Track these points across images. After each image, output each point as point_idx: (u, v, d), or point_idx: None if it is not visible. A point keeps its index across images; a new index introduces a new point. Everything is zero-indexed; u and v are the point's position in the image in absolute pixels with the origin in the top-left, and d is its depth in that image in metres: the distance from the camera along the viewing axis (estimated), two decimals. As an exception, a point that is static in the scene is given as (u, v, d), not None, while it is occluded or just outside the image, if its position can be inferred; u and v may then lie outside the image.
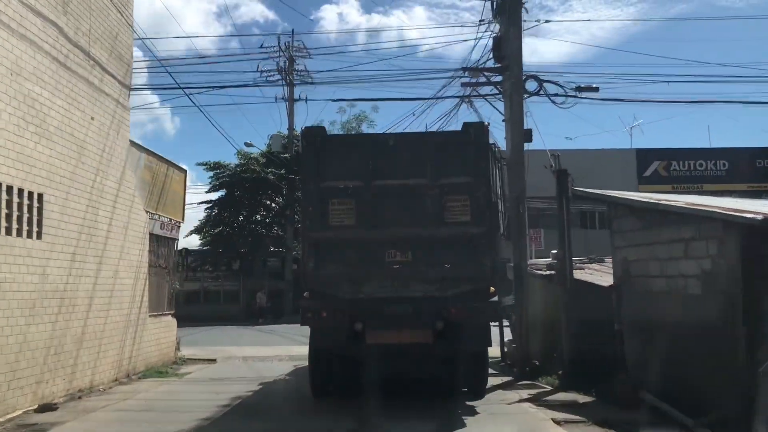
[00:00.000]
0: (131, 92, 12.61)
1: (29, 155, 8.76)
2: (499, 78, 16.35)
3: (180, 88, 15.11)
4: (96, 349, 10.65)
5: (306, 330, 9.07)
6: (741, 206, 8.35)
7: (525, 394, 9.82)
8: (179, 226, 15.40)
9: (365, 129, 39.02)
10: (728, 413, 6.99)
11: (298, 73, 31.06)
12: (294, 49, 31.61)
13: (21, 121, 8.57)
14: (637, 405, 8.38)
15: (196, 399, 9.94)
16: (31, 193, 8.79)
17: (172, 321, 14.75)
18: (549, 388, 10.40)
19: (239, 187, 32.04)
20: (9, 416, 8.07)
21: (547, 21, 30.78)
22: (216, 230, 33.18)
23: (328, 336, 8.60)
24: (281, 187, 32.38)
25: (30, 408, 8.57)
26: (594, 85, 16.17)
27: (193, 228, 34.39)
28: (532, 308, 12.24)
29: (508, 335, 13.43)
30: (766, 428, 6.39)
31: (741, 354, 6.98)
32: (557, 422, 7.82)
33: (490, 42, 16.08)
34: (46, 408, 8.66)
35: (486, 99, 16.57)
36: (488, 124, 9.50)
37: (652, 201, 9.29)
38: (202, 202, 34.22)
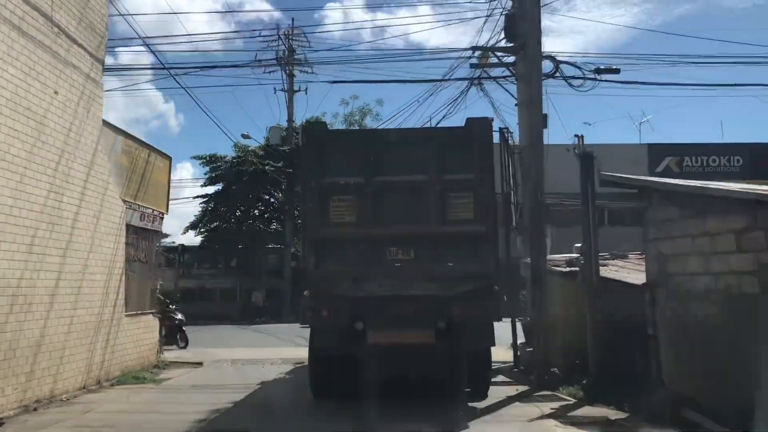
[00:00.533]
0: (106, 69, 11.39)
1: (-29, 129, 7.53)
2: (511, 59, 15.15)
3: (164, 68, 13.88)
4: (59, 353, 9.41)
5: (302, 331, 9.00)
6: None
7: (546, 408, 8.54)
8: (162, 218, 14.15)
9: (369, 122, 37.72)
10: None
11: (298, 63, 29.70)
12: (294, 38, 30.30)
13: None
14: (680, 423, 7.17)
15: (169, 412, 8.71)
16: (-27, 173, 7.57)
17: (153, 321, 13.51)
18: (572, 400, 9.12)
19: (236, 180, 30.73)
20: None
21: None
22: (212, 225, 31.87)
23: (329, 335, 8.47)
24: (280, 181, 31.11)
25: (-30, 424, 7.35)
26: (614, 67, 14.90)
27: (188, 224, 33.17)
28: (550, 309, 10.98)
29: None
30: None
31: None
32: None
33: (502, 20, 14.88)
34: (-11, 423, 7.44)
35: (497, 81, 15.33)
36: (492, 119, 9.18)
37: (698, 186, 8.02)
38: (197, 197, 33.06)
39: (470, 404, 8.86)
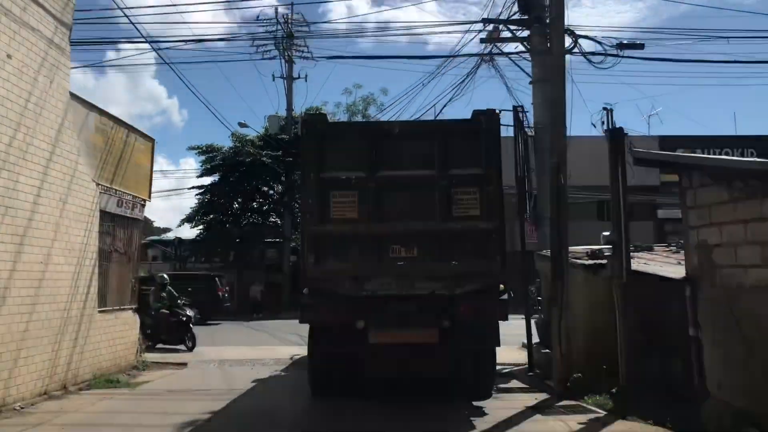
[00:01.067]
0: (77, 42, 10.17)
1: None
2: (525, 33, 13.92)
3: (147, 41, 12.67)
4: (12, 354, 8.22)
5: (299, 329, 8.85)
6: None
7: (573, 422, 7.32)
8: (144, 205, 12.95)
9: (372, 112, 36.38)
10: None
11: (299, 36, 28.36)
12: (293, 22, 29.00)
13: None
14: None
15: (135, 424, 7.55)
16: None
17: (133, 317, 12.33)
18: (602, 412, 7.91)
19: (234, 171, 29.47)
20: None
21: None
22: (209, 218, 30.64)
23: (329, 335, 8.30)
24: (279, 172, 29.88)
25: None
26: (638, 42, 13.64)
27: (184, 216, 31.96)
28: (572, 307, 9.78)
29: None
30: None
31: None
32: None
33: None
34: None
35: (510, 57, 14.11)
36: (500, 112, 8.87)
37: (757, 162, 6.79)
38: (193, 187, 31.81)
39: (485, 414, 7.98)
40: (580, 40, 13.53)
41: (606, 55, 13.52)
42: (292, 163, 28.91)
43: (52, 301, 9.25)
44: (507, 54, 13.96)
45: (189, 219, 31.26)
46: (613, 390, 8.36)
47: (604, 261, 9.52)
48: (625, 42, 13.53)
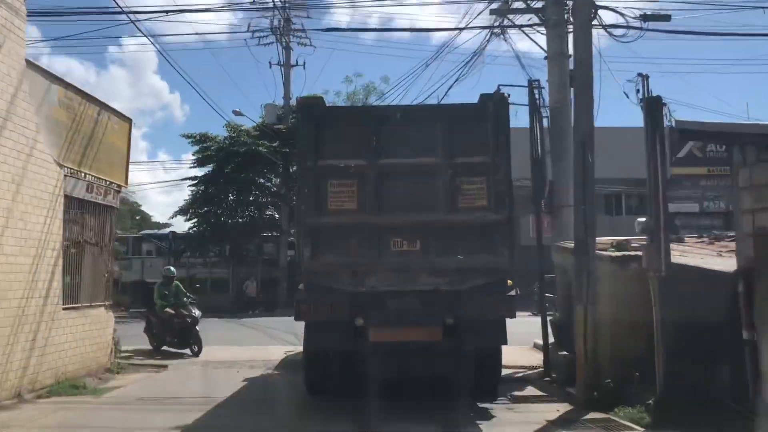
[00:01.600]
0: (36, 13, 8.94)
1: None
2: (540, 4, 12.72)
3: (123, 12, 11.46)
4: (-51, 359, 7.07)
5: (295, 327, 8.39)
6: None
7: (607, 443, 6.14)
8: (119, 191, 11.77)
9: (373, 102, 35.12)
10: None
11: (295, 33, 27.22)
12: (291, 5, 27.75)
13: None
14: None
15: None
16: None
17: (106, 315, 11.15)
18: (638, 429, 6.73)
19: (229, 162, 28.22)
20: None
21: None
22: (203, 210, 29.43)
23: (326, 333, 7.86)
24: (276, 163, 28.67)
25: None
26: (664, 13, 12.41)
27: (178, 208, 30.76)
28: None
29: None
30: None
31: None
32: None
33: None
34: None
35: (523, 30, 12.90)
36: (509, 95, 8.37)
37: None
38: (186, 179, 30.64)
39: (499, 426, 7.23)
40: (600, 12, 12.30)
41: (628, 27, 12.30)
42: (289, 154, 27.72)
43: (2, 297, 8.08)
44: (519, 26, 12.73)
45: (183, 211, 30.08)
46: (649, 401, 7.20)
47: (635, 252, 8.35)
48: (649, 13, 12.28)
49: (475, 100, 8.26)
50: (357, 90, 36.32)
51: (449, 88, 14.83)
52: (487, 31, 12.90)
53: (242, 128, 29.25)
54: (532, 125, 10.61)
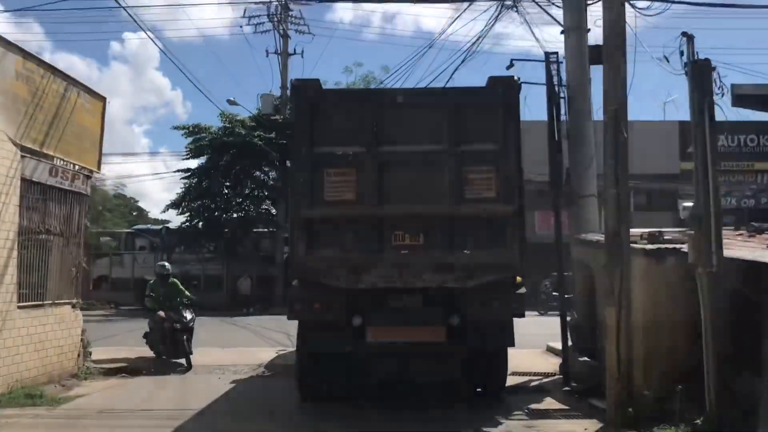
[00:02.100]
0: None
1: None
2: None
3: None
4: None
5: (288, 327, 8.37)
6: None
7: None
8: (90, 177, 10.62)
9: (374, 93, 33.90)
10: None
11: (293, 20, 26.06)
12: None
13: None
14: None
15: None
16: None
17: (73, 314, 9.99)
18: (688, 456, 5.60)
19: (223, 153, 26.99)
20: None
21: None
22: (195, 204, 28.22)
23: (321, 333, 7.60)
24: (272, 156, 27.48)
25: None
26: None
27: (170, 201, 29.53)
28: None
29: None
30: None
31: None
32: None
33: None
34: None
35: (536, 2, 11.76)
36: (519, 79, 7.91)
37: None
38: (178, 170, 29.35)
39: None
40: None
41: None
42: (286, 146, 26.53)
43: (-61, 293, 6.96)
44: (533, -2, 11.59)
45: (175, 204, 28.86)
46: (696, 420, 6.07)
47: (674, 245, 7.22)
48: (676, -17, 11.11)
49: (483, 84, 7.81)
50: (357, 81, 35.09)
51: (455, 70, 13.73)
52: (498, 3, 11.73)
53: (237, 118, 28.05)
54: (550, 104, 9.49)
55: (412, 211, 7.45)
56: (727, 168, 33.04)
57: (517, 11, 11.75)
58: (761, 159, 32.32)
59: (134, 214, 54.27)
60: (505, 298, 7.56)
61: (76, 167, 10.15)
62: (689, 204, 6.71)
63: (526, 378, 9.74)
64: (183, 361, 10.88)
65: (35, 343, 8.87)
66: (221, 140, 26.94)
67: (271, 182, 29.78)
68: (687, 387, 6.43)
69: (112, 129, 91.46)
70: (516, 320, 7.69)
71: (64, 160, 9.76)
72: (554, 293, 27.93)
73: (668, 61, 6.39)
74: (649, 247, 7.56)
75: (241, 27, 24.91)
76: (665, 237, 8.20)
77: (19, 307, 8.52)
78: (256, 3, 27.46)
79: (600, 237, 9.19)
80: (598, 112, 10.24)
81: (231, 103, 25.91)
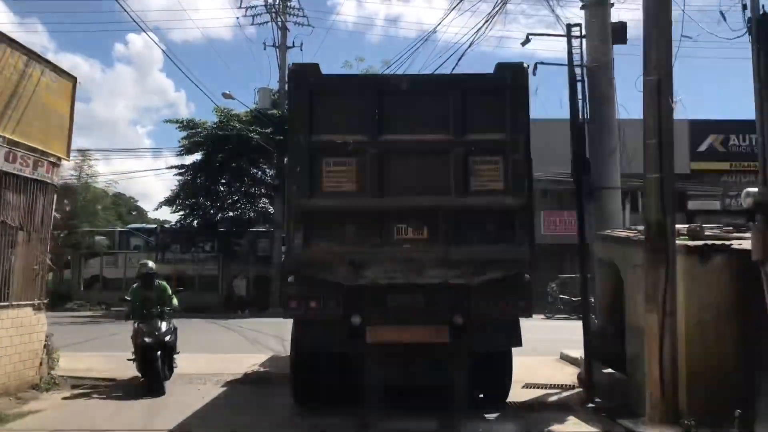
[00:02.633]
0: None
1: None
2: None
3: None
4: None
5: (281, 331, 8.70)
6: None
7: None
8: (57, 165, 9.55)
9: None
10: None
11: (292, 11, 25.04)
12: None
13: None
14: None
15: None
16: None
17: (35, 317, 8.94)
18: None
19: (219, 149, 25.97)
20: None
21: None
22: (189, 201, 27.20)
23: (317, 332, 7.25)
24: (270, 152, 26.45)
25: None
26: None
27: (164, 199, 28.52)
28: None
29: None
30: None
31: None
32: None
33: None
34: None
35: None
36: (528, 66, 7.65)
37: None
38: (172, 167, 28.32)
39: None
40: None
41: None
42: (284, 142, 25.49)
43: None
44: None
45: (169, 202, 27.84)
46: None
47: (724, 241, 6.16)
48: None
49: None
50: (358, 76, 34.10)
51: (462, 55, 12.73)
52: (509, -23, 10.66)
53: (233, 113, 27.04)
54: (571, 82, 8.44)
55: (416, 204, 7.15)
56: (740, 168, 32.21)
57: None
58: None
59: (133, 213, 53.65)
60: (513, 296, 7.27)
61: (40, 153, 9.09)
62: (753, 189, 5.63)
63: (542, 391, 8.71)
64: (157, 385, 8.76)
65: (-12, 350, 7.83)
66: (216, 135, 25.91)
67: (269, 179, 28.79)
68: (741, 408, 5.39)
69: (115, 129, 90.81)
70: (522, 324, 7.35)
71: (25, 145, 8.71)
72: (561, 296, 27.00)
73: (725, 20, 5.26)
74: (693, 243, 6.50)
75: (238, 19, 23.75)
76: (706, 233, 7.17)
77: (-33, 310, 7.49)
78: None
79: (629, 233, 8.15)
80: (620, 97, 9.29)
81: (226, 96, 24.91)
